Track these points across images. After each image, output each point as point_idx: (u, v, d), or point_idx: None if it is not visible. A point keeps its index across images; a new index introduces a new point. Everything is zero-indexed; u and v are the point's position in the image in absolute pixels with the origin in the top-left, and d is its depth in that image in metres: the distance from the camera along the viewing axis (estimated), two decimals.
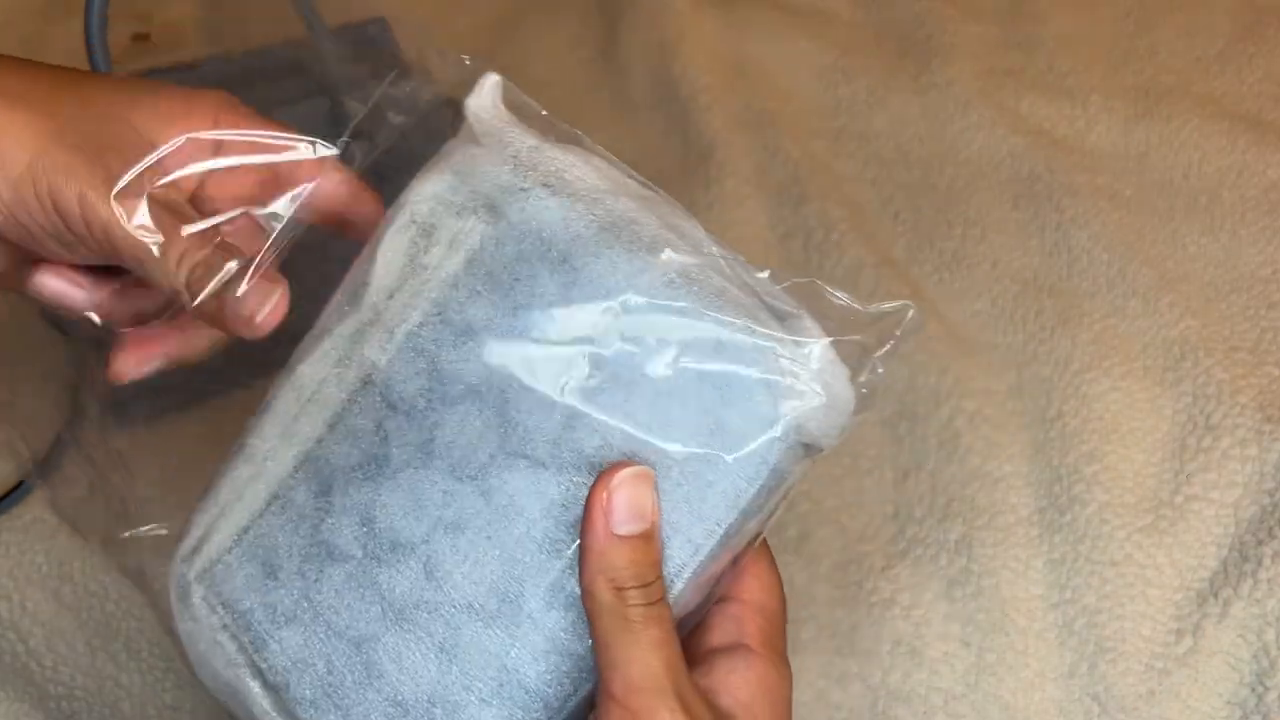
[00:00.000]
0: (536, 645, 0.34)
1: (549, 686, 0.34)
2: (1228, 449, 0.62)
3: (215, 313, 0.37)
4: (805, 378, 0.34)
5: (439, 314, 0.37)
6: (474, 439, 0.35)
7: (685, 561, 0.34)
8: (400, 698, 0.35)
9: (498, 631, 0.34)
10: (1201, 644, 0.57)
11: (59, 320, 0.63)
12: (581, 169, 0.39)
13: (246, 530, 0.40)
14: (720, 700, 0.33)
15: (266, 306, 0.37)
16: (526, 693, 0.34)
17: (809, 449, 0.36)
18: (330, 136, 0.62)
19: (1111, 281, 0.71)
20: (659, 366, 0.34)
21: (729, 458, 0.34)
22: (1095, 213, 0.74)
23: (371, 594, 0.36)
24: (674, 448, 0.34)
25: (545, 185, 0.38)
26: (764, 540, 0.38)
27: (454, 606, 0.35)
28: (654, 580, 0.32)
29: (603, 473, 0.33)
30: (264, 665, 0.37)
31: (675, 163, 0.79)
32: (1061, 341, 0.67)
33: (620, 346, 0.34)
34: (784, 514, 0.62)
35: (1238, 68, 0.84)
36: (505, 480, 0.35)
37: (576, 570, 0.33)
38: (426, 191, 0.41)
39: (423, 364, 0.37)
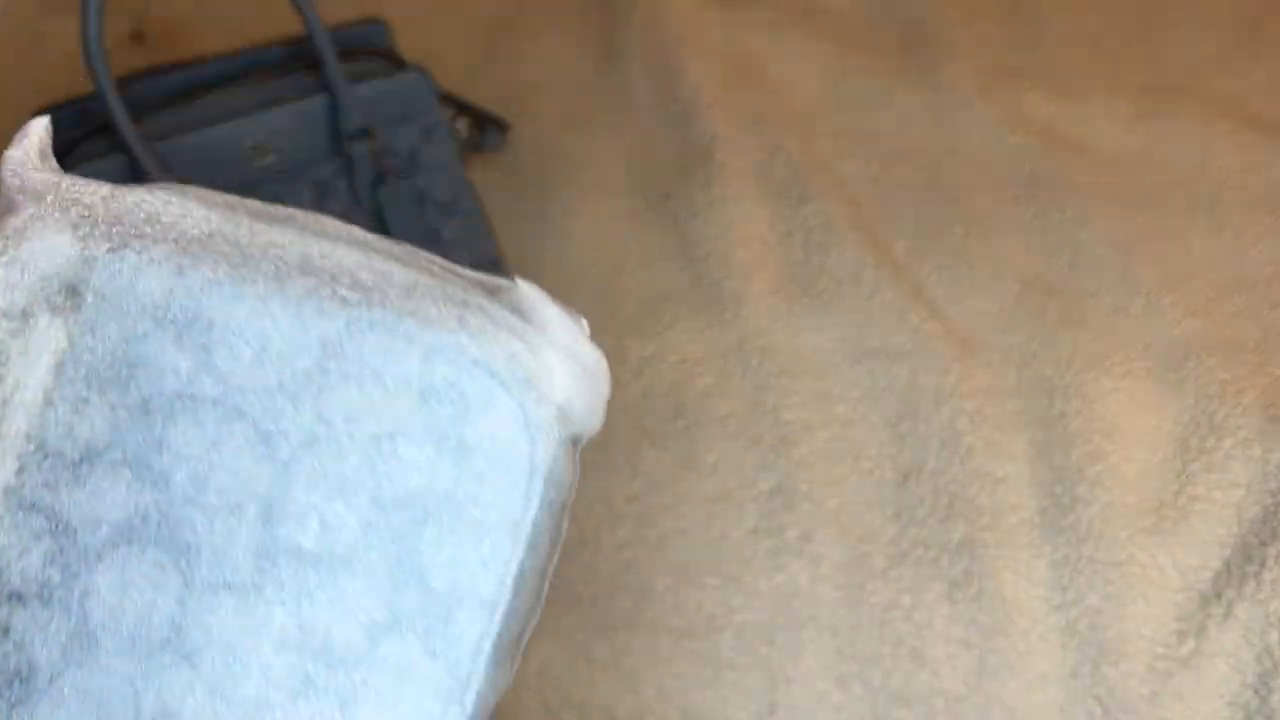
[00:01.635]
0: None
1: None
2: (1231, 449, 0.62)
3: None
4: (545, 360, 0.30)
5: (38, 449, 0.29)
6: (147, 594, 0.28)
7: (484, 631, 0.30)
8: None
9: None
10: (1204, 645, 0.57)
11: None
12: (180, 204, 0.32)
13: None
14: None
15: None
16: None
17: (575, 440, 0.32)
18: (330, 135, 0.62)
19: (1114, 281, 0.71)
20: (362, 427, 0.29)
21: (488, 492, 0.30)
22: (1098, 212, 0.74)
23: None
24: (409, 511, 0.29)
25: (138, 238, 0.30)
26: None
27: None
28: None
29: None
30: None
31: (675, 162, 0.79)
32: (1064, 341, 0.67)
33: (309, 411, 0.29)
34: (784, 515, 0.62)
35: (1242, 66, 0.84)
36: (210, 628, 0.28)
37: (346, 705, 0.28)
38: None
39: (39, 522, 0.29)
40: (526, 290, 0.31)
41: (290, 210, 0.33)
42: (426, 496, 0.30)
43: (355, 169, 0.63)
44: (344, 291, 0.30)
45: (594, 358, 0.32)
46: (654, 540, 0.60)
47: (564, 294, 0.75)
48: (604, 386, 0.32)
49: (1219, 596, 0.58)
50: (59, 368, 0.29)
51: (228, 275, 0.30)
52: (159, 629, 0.28)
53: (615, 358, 0.70)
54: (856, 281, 0.71)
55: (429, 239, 0.67)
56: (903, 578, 0.59)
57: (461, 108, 0.74)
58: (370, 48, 0.65)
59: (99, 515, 0.28)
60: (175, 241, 0.30)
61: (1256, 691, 0.56)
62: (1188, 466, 0.62)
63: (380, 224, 0.65)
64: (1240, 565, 0.59)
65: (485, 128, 0.74)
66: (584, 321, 0.32)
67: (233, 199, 0.32)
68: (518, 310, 0.31)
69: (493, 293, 0.31)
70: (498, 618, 0.31)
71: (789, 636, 0.57)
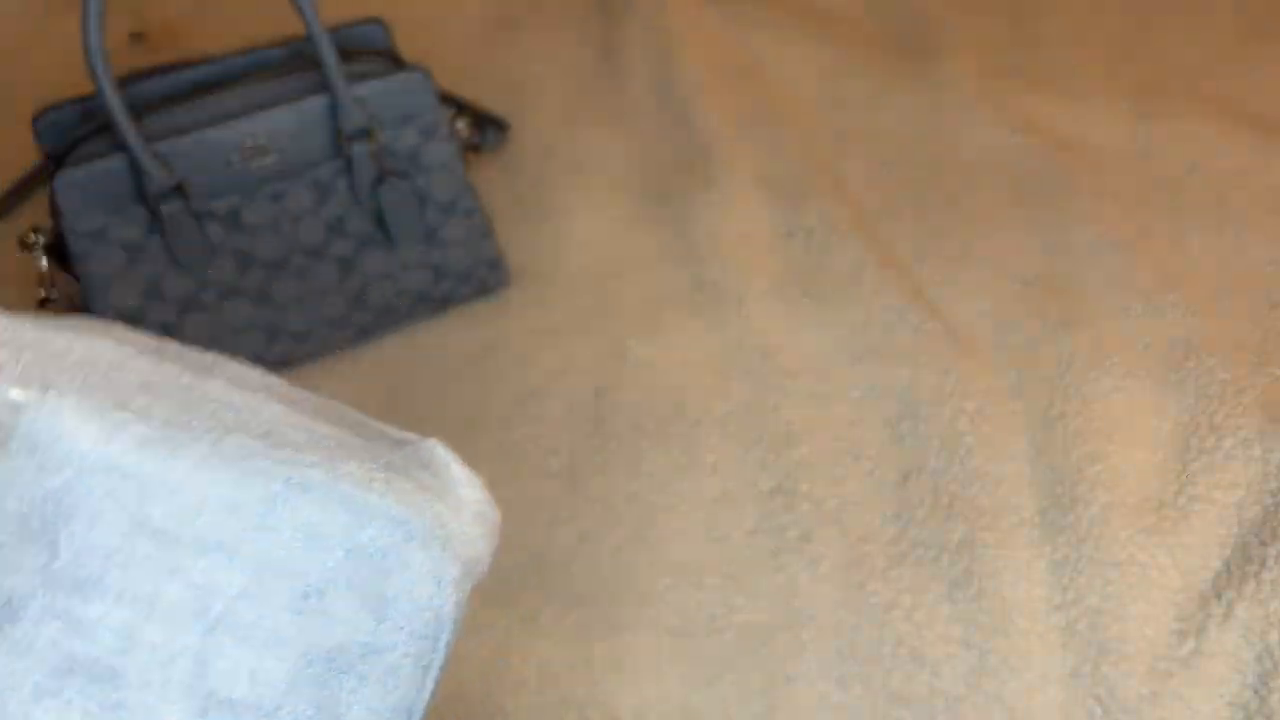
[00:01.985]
0: None
1: None
2: (1231, 449, 0.62)
3: None
4: (462, 520, 0.31)
5: None
6: None
7: None
8: None
9: None
10: (1204, 645, 0.57)
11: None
12: (114, 349, 0.31)
13: None
14: None
15: None
16: None
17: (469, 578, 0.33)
18: (330, 134, 0.62)
19: (1114, 281, 0.71)
20: (293, 582, 0.29)
21: (403, 643, 0.31)
22: (1098, 212, 0.74)
23: None
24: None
25: (69, 382, 0.29)
26: None
27: None
28: None
29: None
30: None
31: (676, 162, 0.79)
32: (1064, 341, 0.67)
33: (242, 567, 0.29)
34: (784, 515, 0.62)
35: (1242, 67, 0.85)
36: None
37: None
38: None
39: None
40: (437, 450, 0.32)
41: (212, 356, 0.33)
42: (350, 648, 0.31)
43: (355, 168, 0.63)
44: (277, 452, 0.30)
45: (494, 516, 0.33)
46: (654, 540, 0.60)
47: (564, 294, 0.75)
48: (496, 539, 0.34)
49: (1219, 596, 0.58)
50: None
51: (163, 432, 0.29)
52: None
53: (615, 358, 0.70)
54: (856, 281, 0.71)
55: (428, 238, 0.67)
56: (903, 577, 0.59)
57: (461, 108, 0.74)
58: (370, 48, 0.65)
59: (27, 667, 0.28)
60: (111, 389, 0.29)
61: (1256, 691, 0.56)
62: (1188, 466, 0.62)
63: (380, 223, 0.65)
64: (1240, 565, 0.59)
65: (485, 128, 0.74)
66: (479, 480, 0.33)
67: (157, 342, 0.32)
68: (428, 467, 0.32)
69: (406, 448, 0.32)
70: None
71: (789, 636, 0.57)
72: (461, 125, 0.69)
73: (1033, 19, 0.89)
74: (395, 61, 0.65)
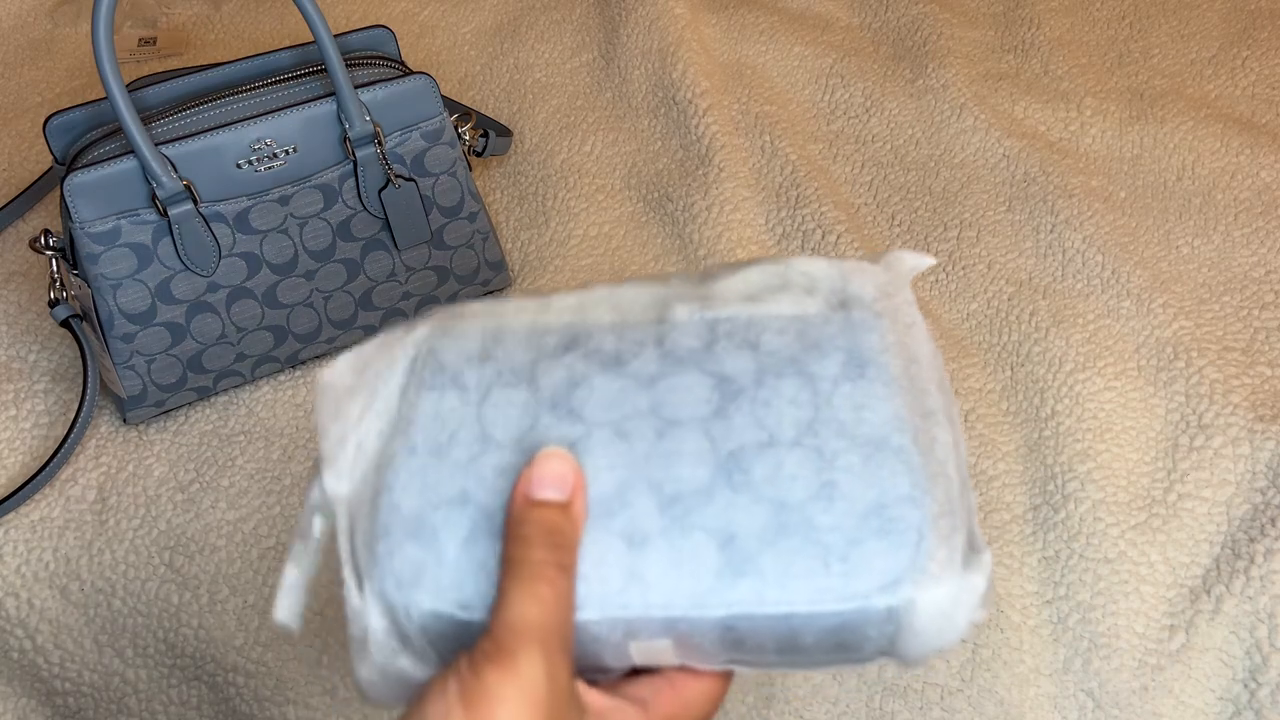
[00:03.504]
0: None
1: None
2: (1220, 448, 0.63)
3: None
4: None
5: (739, 332, 0.37)
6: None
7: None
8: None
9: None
10: (1194, 640, 0.57)
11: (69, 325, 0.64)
12: None
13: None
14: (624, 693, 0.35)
15: None
16: None
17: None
18: (337, 139, 0.63)
19: (1105, 282, 0.71)
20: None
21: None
22: (1089, 215, 0.74)
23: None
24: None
25: None
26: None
27: None
28: (561, 545, 0.33)
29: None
30: None
31: (674, 166, 0.79)
32: (1055, 341, 0.68)
33: None
34: None
35: (1231, 71, 0.85)
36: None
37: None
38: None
39: (704, 337, 0.37)
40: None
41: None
42: None
43: (361, 173, 0.64)
44: None
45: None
46: None
47: None
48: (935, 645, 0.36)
49: (1208, 592, 0.58)
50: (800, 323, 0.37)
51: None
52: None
53: None
54: None
55: (433, 241, 0.68)
56: None
57: (466, 113, 0.74)
58: (377, 54, 0.66)
59: (711, 363, 0.36)
60: None
61: (1245, 685, 0.56)
62: (1178, 465, 0.63)
63: (386, 226, 0.66)
64: (1229, 561, 0.59)
65: (488, 133, 0.74)
66: None
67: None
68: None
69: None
70: None
71: None
72: (466, 130, 0.70)
73: (1023, 24, 0.89)
74: (401, 68, 0.65)
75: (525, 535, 0.33)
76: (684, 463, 0.35)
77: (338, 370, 0.37)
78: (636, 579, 0.34)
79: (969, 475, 0.36)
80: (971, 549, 0.34)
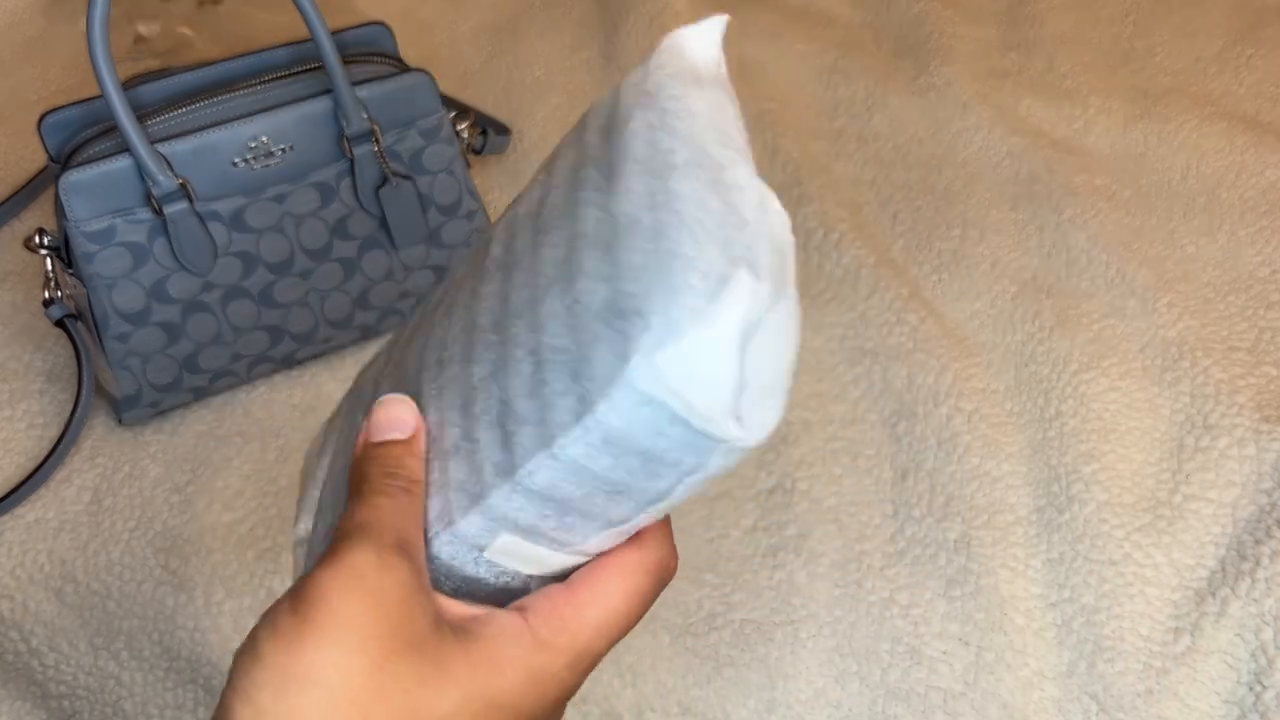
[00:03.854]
0: None
1: None
2: (1225, 449, 0.62)
3: None
4: None
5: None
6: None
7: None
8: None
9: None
10: (1199, 643, 0.57)
11: (64, 323, 0.64)
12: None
13: None
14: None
15: None
16: None
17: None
18: (334, 137, 0.62)
19: (1110, 282, 0.71)
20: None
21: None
22: (1093, 213, 0.74)
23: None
24: None
25: None
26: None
27: None
28: (402, 474, 0.33)
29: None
30: None
31: None
32: (1060, 341, 0.67)
33: None
34: (783, 513, 0.62)
35: (1235, 69, 0.85)
36: None
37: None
38: None
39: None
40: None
41: None
42: None
43: (358, 171, 0.63)
44: None
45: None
46: None
47: None
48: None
49: (1214, 594, 0.58)
50: None
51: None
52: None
53: None
54: (854, 282, 0.71)
55: (430, 240, 0.67)
56: (900, 575, 0.59)
57: (463, 111, 0.74)
58: (374, 51, 0.66)
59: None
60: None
61: (1251, 688, 0.56)
62: (1183, 466, 0.62)
63: (383, 225, 0.65)
64: (1235, 563, 0.59)
65: (486, 131, 0.74)
66: None
67: None
68: None
69: None
70: None
71: (787, 633, 0.57)
72: (463, 128, 0.69)
73: (1027, 22, 0.89)
74: (399, 65, 0.65)
75: (366, 471, 0.33)
76: (477, 362, 0.33)
77: (316, 436, 0.41)
78: (460, 490, 0.33)
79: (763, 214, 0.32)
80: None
